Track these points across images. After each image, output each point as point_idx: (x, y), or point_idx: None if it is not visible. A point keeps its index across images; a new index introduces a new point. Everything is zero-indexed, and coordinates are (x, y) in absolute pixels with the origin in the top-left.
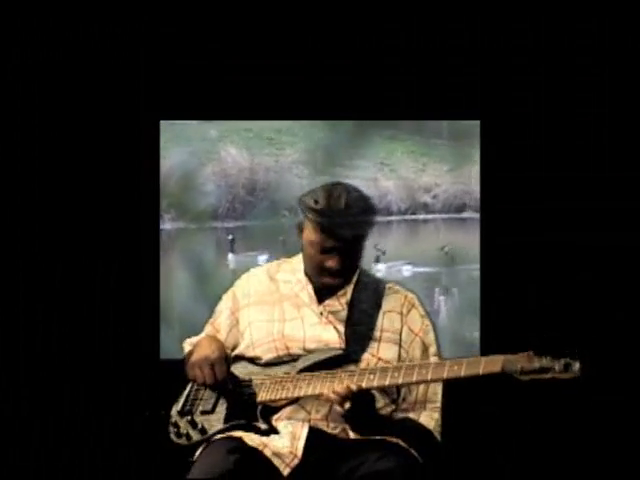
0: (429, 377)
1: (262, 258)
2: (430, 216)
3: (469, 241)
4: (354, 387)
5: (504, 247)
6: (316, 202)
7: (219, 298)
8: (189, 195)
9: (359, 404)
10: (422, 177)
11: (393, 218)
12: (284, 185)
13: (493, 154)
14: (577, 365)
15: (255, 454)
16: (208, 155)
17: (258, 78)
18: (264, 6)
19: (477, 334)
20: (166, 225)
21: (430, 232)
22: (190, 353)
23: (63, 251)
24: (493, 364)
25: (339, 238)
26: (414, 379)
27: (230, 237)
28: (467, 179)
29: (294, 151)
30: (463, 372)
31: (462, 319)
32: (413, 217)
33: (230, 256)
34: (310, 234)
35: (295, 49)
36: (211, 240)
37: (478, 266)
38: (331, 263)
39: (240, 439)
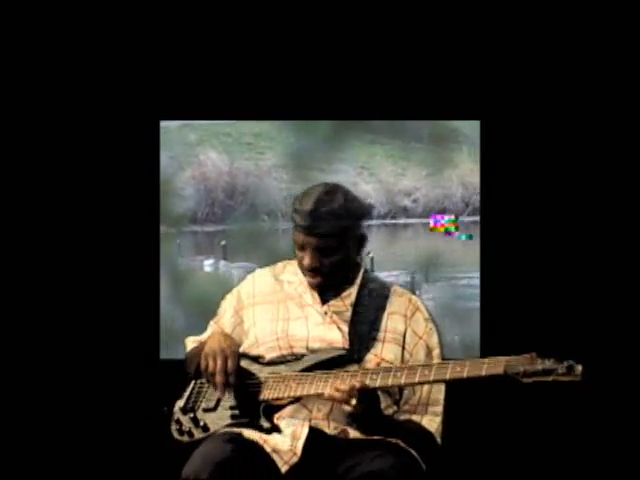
0: (431, 378)
1: (208, 262)
2: (410, 220)
3: (448, 246)
4: (358, 385)
5: (503, 247)
6: (293, 202)
7: (196, 302)
8: (168, 199)
9: (365, 403)
10: (402, 181)
11: (373, 222)
12: (263, 189)
13: (493, 154)
14: (580, 368)
15: (254, 446)
16: (188, 159)
17: (258, 78)
18: (263, 6)
19: (457, 337)
20: None
21: (409, 237)
22: (197, 349)
23: (62, 251)
24: (496, 366)
25: (308, 234)
26: (417, 380)
27: (177, 242)
28: (447, 183)
29: (273, 155)
30: (466, 373)
31: (441, 323)
32: (393, 221)
33: (179, 260)
34: (293, 233)
35: (293, 50)
36: (190, 244)
37: (457, 270)
38: (306, 260)
39: (240, 433)
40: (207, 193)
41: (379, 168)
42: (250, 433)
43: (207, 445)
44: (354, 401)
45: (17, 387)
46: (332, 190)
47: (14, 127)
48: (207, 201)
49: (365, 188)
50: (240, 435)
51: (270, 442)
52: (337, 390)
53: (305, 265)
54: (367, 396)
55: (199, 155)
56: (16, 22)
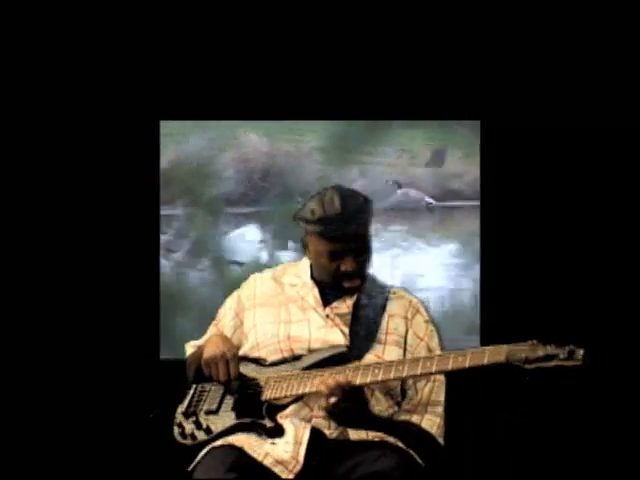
0: (434, 369)
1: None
2: (461, 203)
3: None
4: (343, 381)
5: (503, 246)
6: (312, 213)
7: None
8: (206, 181)
9: (350, 401)
10: (447, 164)
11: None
12: (299, 171)
13: (493, 154)
14: (581, 352)
15: (255, 467)
16: (227, 141)
17: (258, 78)
18: (265, 6)
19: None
20: (178, 211)
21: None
22: (195, 354)
23: (62, 251)
24: (497, 354)
25: (346, 240)
26: (419, 372)
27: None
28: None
29: (313, 138)
30: (468, 363)
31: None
32: (445, 204)
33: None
34: (316, 245)
35: (295, 50)
36: (225, 226)
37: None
38: (347, 266)
39: (241, 449)
40: (246, 175)
41: (420, 150)
42: (252, 448)
43: (207, 472)
44: (333, 399)
45: (15, 387)
46: (344, 191)
47: (14, 125)
48: (244, 183)
49: (411, 171)
50: (241, 452)
51: (272, 454)
52: (325, 384)
53: (346, 270)
54: (353, 394)
55: (239, 137)
56: (16, 22)
